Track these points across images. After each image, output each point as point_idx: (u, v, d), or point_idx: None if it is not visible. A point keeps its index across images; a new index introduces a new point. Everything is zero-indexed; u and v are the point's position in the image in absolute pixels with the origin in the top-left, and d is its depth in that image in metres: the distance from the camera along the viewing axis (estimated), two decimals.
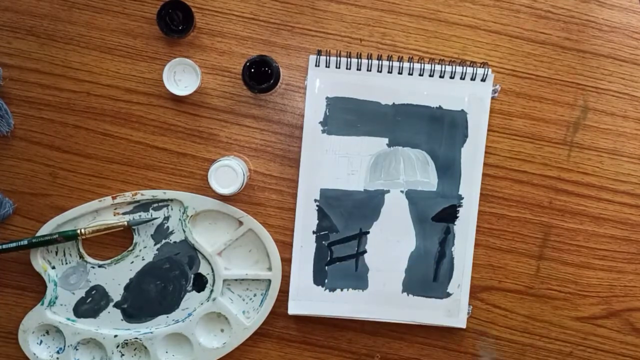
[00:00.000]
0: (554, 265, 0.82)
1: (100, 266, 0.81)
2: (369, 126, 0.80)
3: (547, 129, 0.81)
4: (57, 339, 0.82)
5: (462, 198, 0.80)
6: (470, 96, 0.80)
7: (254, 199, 0.81)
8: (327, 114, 0.80)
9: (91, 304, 0.81)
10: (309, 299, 0.81)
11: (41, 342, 0.82)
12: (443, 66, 0.79)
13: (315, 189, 0.80)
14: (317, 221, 0.80)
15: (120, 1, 0.79)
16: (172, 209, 0.80)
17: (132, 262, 0.81)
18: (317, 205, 0.80)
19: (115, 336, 0.80)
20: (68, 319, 0.81)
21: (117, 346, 0.81)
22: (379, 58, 0.80)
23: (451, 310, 0.81)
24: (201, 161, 0.81)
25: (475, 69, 0.79)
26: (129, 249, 0.81)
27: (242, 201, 0.81)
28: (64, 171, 0.81)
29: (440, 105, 0.80)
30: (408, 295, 0.81)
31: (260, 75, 0.76)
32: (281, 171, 0.81)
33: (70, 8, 0.79)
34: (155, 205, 0.80)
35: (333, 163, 0.80)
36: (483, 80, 0.80)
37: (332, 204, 0.80)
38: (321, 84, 0.79)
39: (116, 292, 0.81)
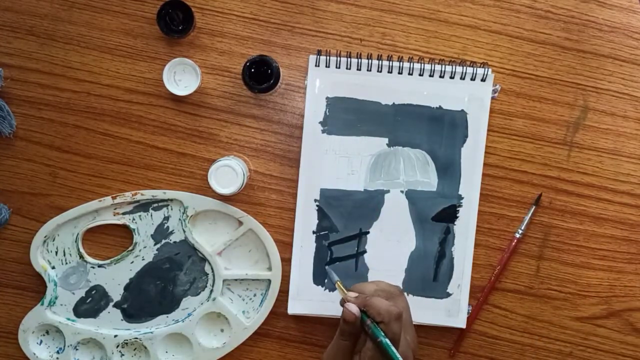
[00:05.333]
0: (554, 265, 0.82)
1: (100, 266, 0.81)
2: (369, 126, 0.80)
3: (547, 129, 0.81)
4: (57, 339, 0.82)
5: (462, 198, 0.80)
6: (470, 96, 0.80)
7: (254, 199, 0.81)
8: (327, 114, 0.80)
9: (91, 304, 0.81)
10: (309, 299, 0.81)
11: (41, 342, 0.82)
12: (443, 66, 0.79)
13: (315, 189, 0.80)
14: (317, 221, 0.80)
15: (120, 1, 0.79)
16: (172, 209, 0.80)
17: (132, 262, 0.81)
18: (317, 205, 0.80)
19: (115, 336, 0.80)
20: (68, 319, 0.81)
21: (117, 346, 0.81)
22: (379, 58, 0.79)
23: (451, 310, 0.81)
24: (201, 161, 0.81)
25: (475, 69, 0.79)
26: (129, 249, 0.81)
27: (242, 201, 0.81)
28: (64, 171, 0.81)
29: (440, 105, 0.80)
30: (408, 295, 0.80)
31: (260, 75, 0.76)
32: (281, 171, 0.81)
33: (70, 8, 0.79)
34: (155, 205, 0.80)
35: (333, 163, 0.80)
36: (483, 80, 0.80)
37: (332, 203, 0.80)
38: (321, 84, 0.79)
39: (116, 292, 0.81)
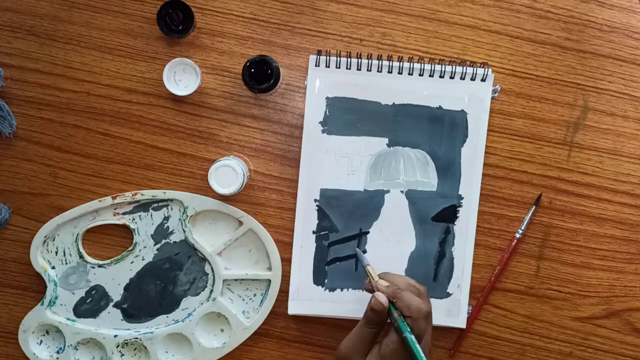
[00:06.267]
0: (554, 265, 0.82)
1: (100, 266, 0.81)
2: (369, 126, 0.80)
3: (547, 129, 0.81)
4: (57, 339, 0.82)
5: (462, 198, 0.80)
6: (470, 96, 0.80)
7: (254, 199, 0.81)
8: (327, 114, 0.80)
9: (91, 304, 0.81)
10: (309, 299, 0.81)
11: (41, 342, 0.82)
12: (443, 66, 0.79)
13: (315, 189, 0.80)
14: (317, 221, 0.80)
15: (120, 1, 0.79)
16: (172, 209, 0.80)
17: (132, 262, 0.81)
18: (317, 205, 0.80)
19: (115, 336, 0.80)
20: (68, 319, 0.81)
21: (117, 346, 0.81)
22: (379, 58, 0.80)
23: (451, 310, 0.81)
24: (201, 161, 0.81)
25: (475, 69, 0.79)
26: (129, 249, 0.81)
27: (242, 201, 0.81)
28: (64, 171, 0.81)
29: (440, 105, 0.80)
30: None
31: (260, 75, 0.76)
32: (281, 171, 0.81)
33: (70, 8, 0.79)
34: (155, 205, 0.80)
35: (333, 163, 0.80)
36: (483, 80, 0.80)
37: (332, 204, 0.80)
38: (321, 84, 0.79)
39: (116, 292, 0.81)
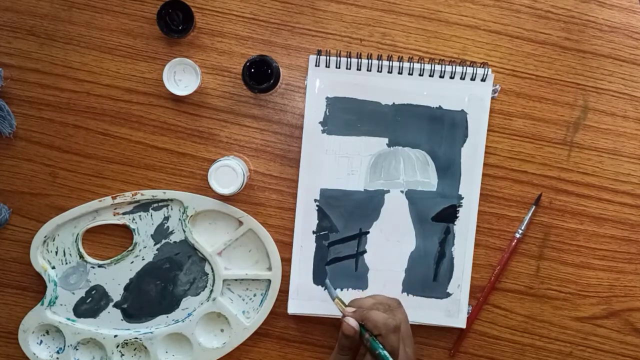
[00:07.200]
0: (554, 265, 0.82)
1: (100, 266, 0.81)
2: (369, 126, 0.80)
3: (547, 129, 0.81)
4: (57, 339, 0.82)
5: (462, 198, 0.80)
6: (470, 96, 0.80)
7: (254, 199, 0.81)
8: (327, 114, 0.80)
9: (91, 304, 0.81)
10: (309, 299, 0.81)
11: (41, 342, 0.82)
12: (443, 66, 0.79)
13: (315, 189, 0.80)
14: (317, 221, 0.80)
15: (120, 1, 0.80)
16: (172, 209, 0.80)
17: (132, 262, 0.81)
18: (317, 205, 0.80)
19: (115, 336, 0.80)
20: (68, 319, 0.81)
21: (117, 346, 0.81)
22: (379, 58, 0.80)
23: (451, 310, 0.81)
24: (201, 161, 0.81)
25: (475, 69, 0.79)
26: (129, 249, 0.81)
27: (242, 201, 0.81)
28: (64, 171, 0.81)
29: (440, 105, 0.80)
30: (408, 295, 0.80)
31: (260, 75, 0.76)
32: (281, 171, 0.81)
33: (70, 8, 0.80)
34: (155, 205, 0.80)
35: (333, 163, 0.80)
36: (483, 80, 0.80)
37: (332, 204, 0.80)
38: (321, 84, 0.79)
39: (116, 292, 0.81)
